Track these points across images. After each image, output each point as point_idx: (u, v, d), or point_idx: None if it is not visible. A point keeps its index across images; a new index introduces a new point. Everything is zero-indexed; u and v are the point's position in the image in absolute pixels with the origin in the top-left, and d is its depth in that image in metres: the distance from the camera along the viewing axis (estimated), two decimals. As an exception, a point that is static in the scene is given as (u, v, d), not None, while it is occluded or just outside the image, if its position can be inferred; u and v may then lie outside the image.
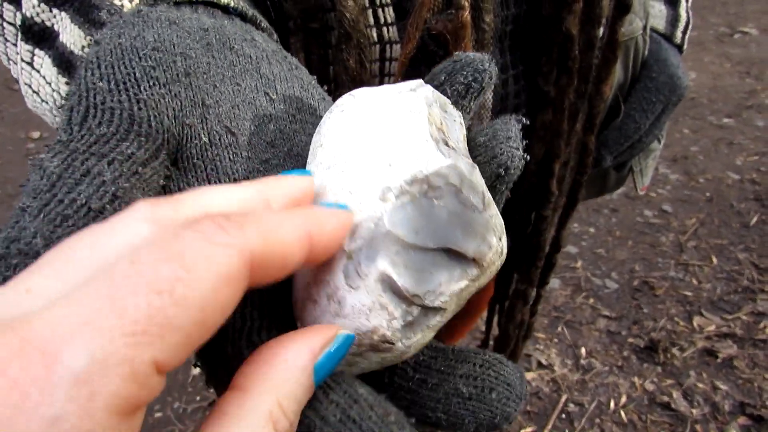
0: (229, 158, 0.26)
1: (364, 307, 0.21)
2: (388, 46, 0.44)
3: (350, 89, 0.44)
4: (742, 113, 2.93)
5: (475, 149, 0.25)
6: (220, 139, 0.26)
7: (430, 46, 0.44)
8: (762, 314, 1.77)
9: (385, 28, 0.43)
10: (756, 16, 4.08)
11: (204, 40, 0.28)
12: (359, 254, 0.21)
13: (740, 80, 3.27)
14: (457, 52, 0.28)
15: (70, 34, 0.30)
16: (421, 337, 0.22)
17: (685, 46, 0.73)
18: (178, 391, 1.65)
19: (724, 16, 4.13)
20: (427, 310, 0.21)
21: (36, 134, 3.04)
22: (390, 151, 0.22)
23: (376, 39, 0.43)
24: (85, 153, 0.22)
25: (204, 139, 0.26)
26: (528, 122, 0.56)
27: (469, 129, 0.27)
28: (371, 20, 0.43)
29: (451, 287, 0.21)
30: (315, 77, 0.33)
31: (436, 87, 0.27)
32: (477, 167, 0.23)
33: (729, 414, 1.49)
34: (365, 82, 0.44)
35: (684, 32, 0.72)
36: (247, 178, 0.26)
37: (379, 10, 0.43)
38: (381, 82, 0.45)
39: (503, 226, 0.23)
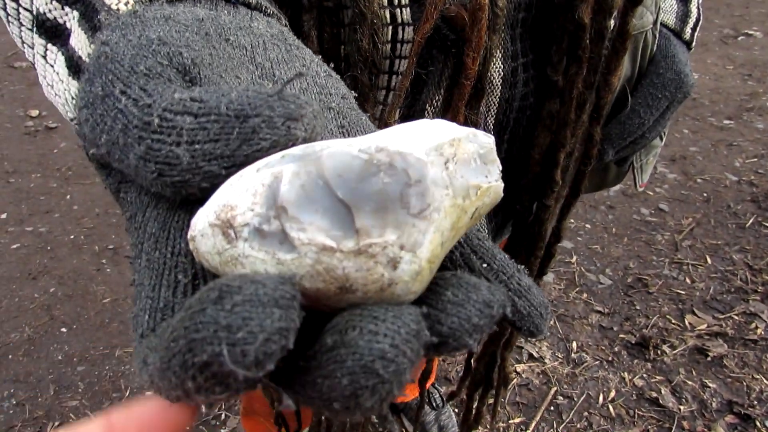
0: None
1: (247, 186, 0.21)
2: (400, 28, 0.44)
3: (361, 69, 0.44)
4: (743, 115, 2.94)
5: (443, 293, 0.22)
6: None
7: (442, 29, 0.44)
8: (754, 315, 1.78)
9: (398, 10, 0.43)
10: (761, 19, 4.07)
11: (202, 30, 0.28)
12: (289, 158, 0.21)
13: (742, 82, 3.27)
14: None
15: (78, 39, 0.30)
16: (263, 261, 0.20)
17: (694, 43, 0.73)
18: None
19: (729, 17, 4.13)
20: (284, 238, 0.20)
21: (35, 112, 3.02)
22: (398, 134, 0.22)
23: (389, 20, 0.43)
24: None
25: None
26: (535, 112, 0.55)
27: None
28: (385, 1, 0.43)
29: (316, 235, 0.20)
30: (319, 56, 0.33)
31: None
32: (454, 195, 0.22)
33: (716, 412, 1.51)
34: (377, 62, 0.43)
35: (694, 29, 0.72)
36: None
37: None
38: (392, 64, 0.45)
39: (423, 249, 0.21)
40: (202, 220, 0.22)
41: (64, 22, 0.32)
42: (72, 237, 2.16)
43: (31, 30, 0.34)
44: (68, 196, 2.39)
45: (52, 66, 0.33)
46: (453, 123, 0.26)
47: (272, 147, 0.22)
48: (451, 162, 0.22)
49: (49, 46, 0.33)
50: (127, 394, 1.59)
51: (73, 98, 0.31)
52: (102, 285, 1.94)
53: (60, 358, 1.69)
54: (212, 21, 0.29)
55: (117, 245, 2.12)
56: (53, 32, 0.32)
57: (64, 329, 1.79)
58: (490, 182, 0.25)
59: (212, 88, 0.24)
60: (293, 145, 0.23)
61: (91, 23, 0.30)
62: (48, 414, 1.54)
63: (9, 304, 1.86)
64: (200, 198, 0.24)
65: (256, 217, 0.20)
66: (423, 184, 0.20)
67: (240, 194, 0.21)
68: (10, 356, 1.69)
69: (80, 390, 1.60)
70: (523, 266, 0.27)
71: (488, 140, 0.25)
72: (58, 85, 0.32)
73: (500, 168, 0.25)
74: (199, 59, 0.27)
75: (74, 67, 0.31)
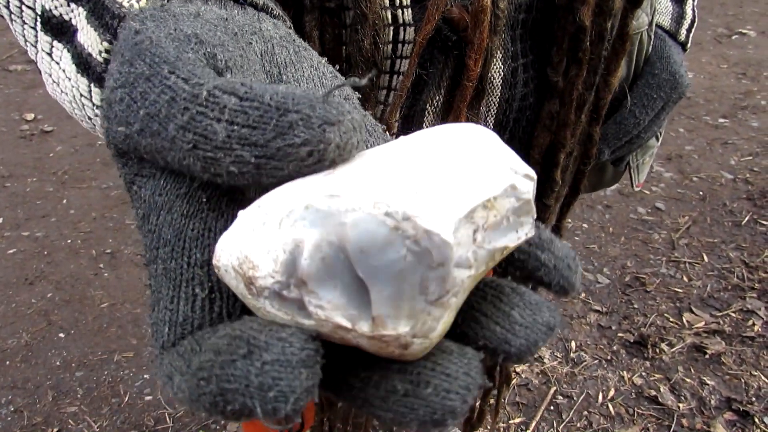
0: None
1: (269, 246, 0.21)
2: (402, 29, 0.44)
3: (363, 70, 0.44)
4: (738, 114, 2.95)
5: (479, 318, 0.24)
6: None
7: (444, 30, 0.44)
8: (751, 312, 1.79)
9: (400, 11, 0.43)
10: (754, 18, 4.09)
11: (229, 30, 0.29)
12: (312, 213, 0.20)
13: (736, 81, 3.29)
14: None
15: (87, 36, 0.30)
16: (283, 319, 0.21)
17: (689, 44, 0.73)
18: (170, 374, 1.65)
19: (723, 17, 4.14)
20: (302, 305, 0.20)
21: (30, 116, 3.01)
22: (426, 185, 0.21)
23: (390, 21, 0.43)
24: None
25: None
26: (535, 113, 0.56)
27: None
28: (386, 2, 0.43)
29: (332, 315, 0.20)
30: (325, 58, 0.33)
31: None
32: (477, 269, 0.21)
33: (715, 409, 1.51)
34: (378, 63, 0.44)
35: (689, 30, 0.72)
36: None
37: None
38: (393, 65, 0.45)
39: (435, 333, 0.21)
40: (226, 257, 0.22)
41: (70, 19, 0.32)
42: (69, 241, 2.16)
43: (34, 28, 0.34)
44: (65, 200, 2.39)
45: (57, 63, 0.33)
46: (496, 150, 0.24)
47: (304, 145, 0.22)
48: (481, 231, 0.21)
49: (55, 43, 0.33)
50: (126, 399, 1.59)
51: (81, 95, 0.31)
52: (100, 290, 1.94)
53: (58, 363, 1.69)
54: (233, 21, 0.29)
55: (114, 249, 2.11)
56: (59, 29, 0.32)
57: (62, 335, 1.78)
58: (520, 238, 0.24)
59: (262, 81, 0.24)
60: (325, 148, 0.22)
61: (101, 20, 0.30)
62: (47, 420, 1.53)
63: (6, 309, 1.86)
64: (225, 183, 0.24)
65: (276, 284, 0.20)
66: (445, 268, 0.20)
67: (261, 254, 0.21)
68: (7, 362, 1.68)
69: (79, 396, 1.60)
70: (541, 222, 0.27)
71: (528, 188, 0.24)
72: (65, 83, 0.32)
73: (534, 216, 0.24)
74: (232, 62, 0.27)
75: (83, 64, 0.31)
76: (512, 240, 0.23)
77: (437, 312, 0.20)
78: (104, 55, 0.30)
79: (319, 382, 0.20)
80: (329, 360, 0.21)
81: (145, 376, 1.65)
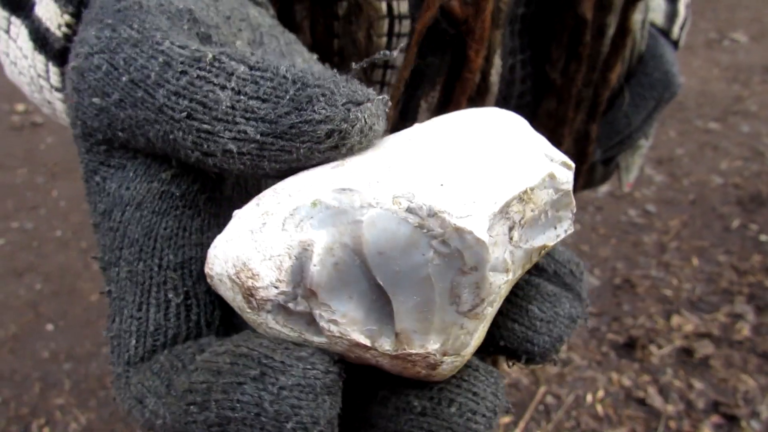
0: None
1: (271, 251, 0.18)
2: (396, 21, 0.43)
3: (356, 63, 0.43)
4: (728, 118, 2.97)
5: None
6: None
7: (441, 23, 0.43)
8: (739, 316, 1.80)
9: (395, 2, 0.42)
10: (745, 24, 4.12)
11: (221, 12, 0.27)
12: (321, 210, 0.18)
13: (727, 86, 3.30)
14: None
15: (46, 9, 0.28)
16: (289, 336, 0.18)
17: (681, 43, 0.73)
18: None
19: (715, 21, 4.17)
20: (311, 320, 0.18)
21: (21, 107, 2.98)
22: (454, 176, 0.18)
23: (385, 13, 0.43)
24: None
25: None
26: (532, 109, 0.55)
27: None
28: None
29: (348, 331, 0.17)
30: (316, 55, 0.32)
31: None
32: (514, 272, 0.18)
33: (703, 412, 1.52)
34: (371, 56, 0.43)
35: (681, 28, 0.72)
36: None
37: None
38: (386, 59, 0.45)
39: (468, 348, 0.18)
40: (220, 264, 0.19)
41: None
42: (59, 233, 2.14)
43: None
44: (55, 192, 2.37)
45: (15, 41, 0.30)
46: (527, 135, 0.21)
47: (324, 122, 0.19)
48: (517, 228, 0.18)
49: (13, 18, 0.30)
50: (113, 392, 1.58)
51: (39, 75, 0.29)
52: (89, 282, 1.92)
53: (46, 355, 1.68)
54: (222, 2, 0.27)
55: (104, 242, 2.10)
56: (17, 2, 0.30)
57: (50, 326, 1.77)
58: (559, 235, 0.21)
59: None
60: (348, 129, 0.19)
61: None
62: (33, 412, 1.52)
63: (-6, 300, 1.84)
64: (216, 166, 0.21)
65: (280, 295, 0.18)
66: (480, 273, 0.17)
67: (262, 261, 0.18)
68: (-6, 354, 1.67)
69: (66, 388, 1.59)
70: None
71: (567, 176, 0.20)
72: (22, 62, 0.30)
73: (574, 210, 0.22)
74: (226, 45, 0.25)
75: (40, 40, 0.29)
76: (551, 238, 0.20)
77: (471, 325, 0.17)
78: (64, 29, 0.27)
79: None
80: None
81: (133, 369, 1.64)
